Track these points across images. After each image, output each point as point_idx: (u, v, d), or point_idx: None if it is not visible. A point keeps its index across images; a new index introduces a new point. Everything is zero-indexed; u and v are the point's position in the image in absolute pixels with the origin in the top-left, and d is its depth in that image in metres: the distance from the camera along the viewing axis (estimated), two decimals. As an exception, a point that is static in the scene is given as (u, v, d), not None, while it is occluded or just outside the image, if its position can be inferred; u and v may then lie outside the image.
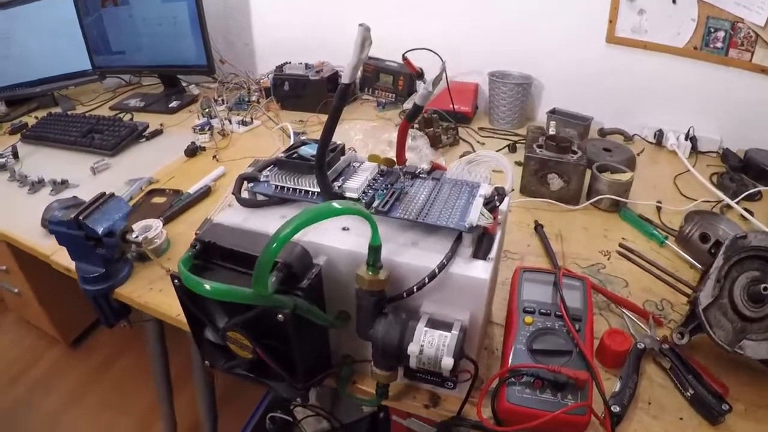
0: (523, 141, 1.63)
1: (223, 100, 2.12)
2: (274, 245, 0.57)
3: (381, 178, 0.85)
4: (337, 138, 1.47)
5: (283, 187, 0.83)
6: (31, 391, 2.19)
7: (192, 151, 1.72)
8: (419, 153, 1.48)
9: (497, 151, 1.58)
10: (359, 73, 2.01)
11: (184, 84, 2.38)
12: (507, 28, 1.81)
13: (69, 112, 2.25)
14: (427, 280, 0.67)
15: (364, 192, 0.80)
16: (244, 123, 1.92)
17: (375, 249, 0.65)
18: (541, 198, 1.35)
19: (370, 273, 0.66)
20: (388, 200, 0.77)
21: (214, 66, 2.14)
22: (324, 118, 1.87)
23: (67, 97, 2.47)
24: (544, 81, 1.85)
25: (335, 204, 0.61)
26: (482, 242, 0.72)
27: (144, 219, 1.26)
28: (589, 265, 1.13)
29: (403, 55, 1.81)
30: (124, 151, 1.84)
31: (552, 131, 1.46)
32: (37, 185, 1.64)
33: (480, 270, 0.69)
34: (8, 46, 2.40)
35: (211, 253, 0.73)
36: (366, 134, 1.53)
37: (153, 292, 1.10)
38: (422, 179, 0.85)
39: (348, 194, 0.78)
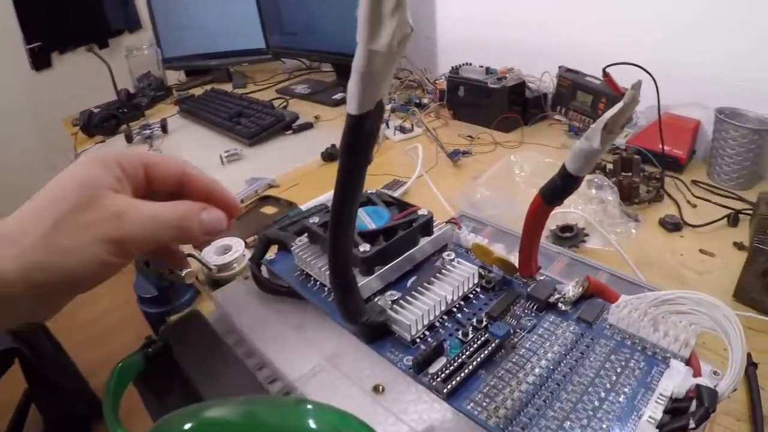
0: (749, 211, 1.17)
1: (391, 99, 1.84)
2: None
3: (480, 298, 0.48)
4: (495, 172, 1.13)
5: (308, 276, 0.51)
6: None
7: (330, 156, 1.45)
8: (603, 211, 1.07)
9: (711, 223, 1.13)
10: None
11: (356, 75, 2.15)
12: (749, 48, 1.33)
13: (235, 90, 2.14)
14: None
15: (429, 329, 0.44)
16: (402, 129, 1.62)
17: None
18: (765, 315, 0.89)
19: None
20: (462, 364, 0.40)
21: (383, 59, 1.88)
22: (500, 137, 1.56)
23: (242, 74, 2.41)
24: (789, 130, 1.33)
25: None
26: None
27: (228, 237, 1.04)
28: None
29: (604, 70, 1.41)
30: (264, 142, 1.65)
31: (796, 208, 1.01)
32: (165, 167, 1.52)
33: None
34: (188, 15, 2.39)
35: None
36: (535, 172, 1.15)
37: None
38: (559, 317, 0.46)
39: (396, 329, 0.44)
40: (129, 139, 1.75)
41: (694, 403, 0.37)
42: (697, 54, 1.41)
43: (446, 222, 0.54)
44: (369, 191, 0.55)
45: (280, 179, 1.37)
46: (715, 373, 0.43)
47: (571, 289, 0.46)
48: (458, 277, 0.48)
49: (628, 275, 0.70)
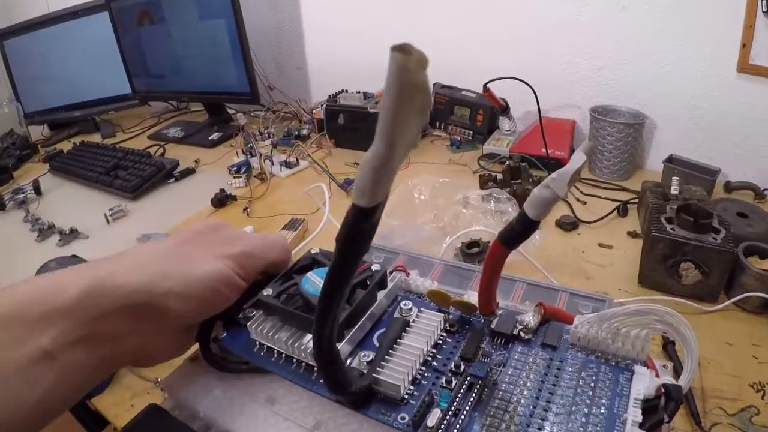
0: (635, 201, 1.25)
1: (269, 134, 1.82)
2: None
3: (448, 342, 0.49)
4: (396, 200, 1.13)
5: (269, 349, 0.49)
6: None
7: (220, 201, 1.38)
8: (504, 222, 1.10)
9: (603, 217, 1.20)
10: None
11: (231, 112, 2.10)
12: (611, 52, 1.44)
13: (105, 141, 2.03)
14: None
15: (414, 383, 0.44)
16: (287, 164, 1.59)
17: None
18: (668, 294, 0.94)
19: None
20: (457, 411, 0.41)
21: (258, 94, 1.85)
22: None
23: (110, 123, 2.27)
24: (657, 120, 1.44)
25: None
26: None
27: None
28: (738, 411, 0.71)
29: (485, 86, 1.48)
30: (147, 194, 1.56)
31: (675, 190, 1.09)
32: (46, 232, 1.40)
33: None
34: (47, 65, 2.24)
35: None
36: (434, 193, 1.17)
37: (132, 410, 0.76)
38: (525, 346, 0.48)
39: (384, 389, 0.43)
40: (2, 206, 1.60)
41: (662, 399, 0.41)
42: (565, 62, 1.51)
43: (394, 270, 0.54)
44: (312, 251, 0.54)
45: (172, 231, 1.31)
46: (664, 366, 0.48)
47: (531, 319, 0.49)
48: (428, 328, 0.48)
49: (542, 281, 0.74)
